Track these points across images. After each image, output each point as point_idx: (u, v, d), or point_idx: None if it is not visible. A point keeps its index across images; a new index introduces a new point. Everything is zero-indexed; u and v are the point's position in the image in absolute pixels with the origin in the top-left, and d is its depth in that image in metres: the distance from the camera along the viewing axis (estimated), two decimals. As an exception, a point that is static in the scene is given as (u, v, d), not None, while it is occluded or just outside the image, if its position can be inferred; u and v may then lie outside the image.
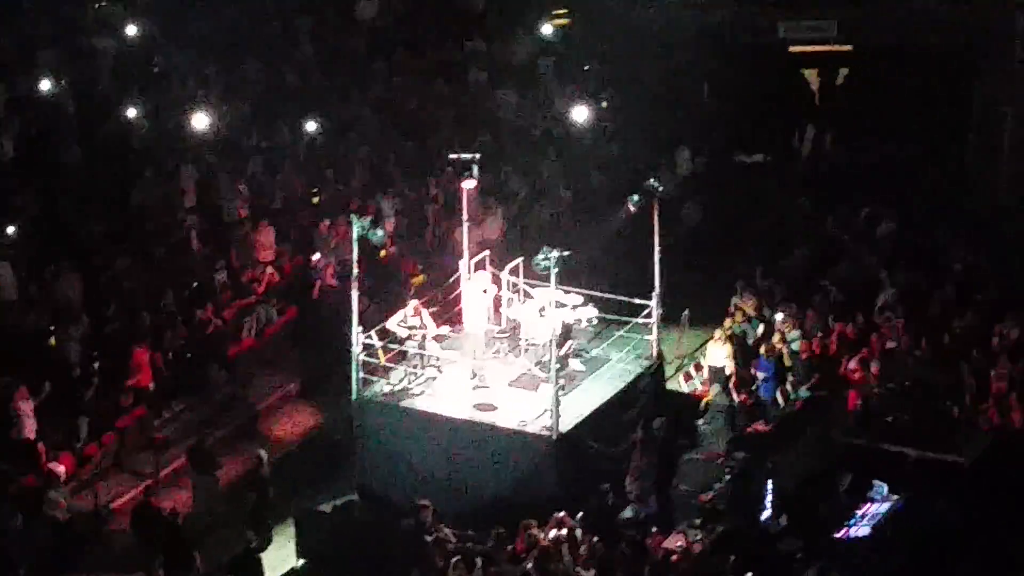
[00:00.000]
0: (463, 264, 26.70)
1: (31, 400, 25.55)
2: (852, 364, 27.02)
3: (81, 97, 35.14)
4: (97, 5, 38.16)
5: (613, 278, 27.95)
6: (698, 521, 23.37)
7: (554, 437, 24.00)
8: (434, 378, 25.61)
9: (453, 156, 26.29)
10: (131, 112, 33.91)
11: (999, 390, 25.78)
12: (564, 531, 22.29)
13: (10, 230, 29.58)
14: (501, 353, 26.10)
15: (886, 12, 36.16)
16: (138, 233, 31.21)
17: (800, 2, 37.16)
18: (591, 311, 25.91)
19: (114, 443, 26.70)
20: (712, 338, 27.94)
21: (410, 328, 25.57)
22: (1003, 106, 34.76)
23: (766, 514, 23.22)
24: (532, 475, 24.04)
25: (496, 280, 26.18)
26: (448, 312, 27.22)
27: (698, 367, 28.56)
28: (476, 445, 24.47)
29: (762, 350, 27.55)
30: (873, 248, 31.58)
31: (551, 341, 24.16)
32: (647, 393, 26.05)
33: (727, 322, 28.44)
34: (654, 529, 22.87)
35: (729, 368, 27.44)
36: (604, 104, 36.01)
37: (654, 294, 26.02)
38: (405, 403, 25.18)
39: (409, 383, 25.50)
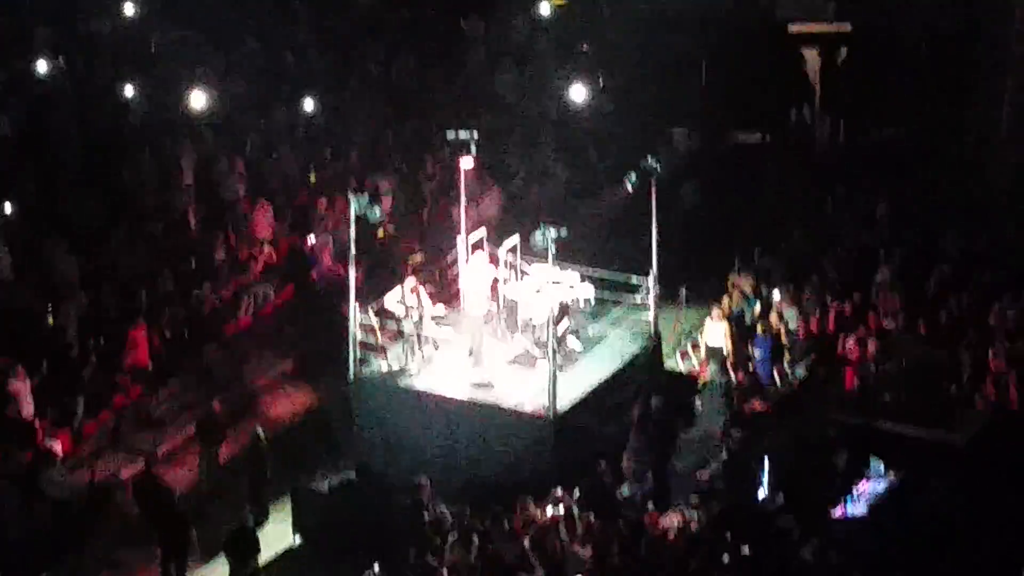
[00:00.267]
0: (460, 243, 26.69)
1: (28, 380, 25.56)
2: (849, 343, 27.02)
3: (78, 77, 35.10)
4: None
5: (610, 257, 27.92)
6: (695, 499, 23.34)
7: (551, 416, 24.01)
8: (431, 357, 25.60)
9: (450, 135, 26.24)
10: (128, 92, 33.87)
11: (996, 369, 25.79)
12: (561, 509, 22.32)
13: (7, 209, 29.58)
14: (498, 332, 26.08)
15: (884, -9, 36.18)
16: (135, 212, 31.18)
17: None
18: (588, 290, 25.88)
19: (111, 421, 26.71)
20: (709, 317, 27.93)
21: (407, 307, 25.55)
22: (1001, 86, 34.71)
23: (762, 492, 23.25)
24: (529, 453, 24.05)
25: (493, 259, 26.15)
26: (445, 291, 27.21)
27: (695, 346, 28.54)
28: (473, 423, 24.49)
29: (759, 329, 27.57)
30: (871, 228, 31.56)
31: (548, 320, 24.15)
32: (644, 372, 26.06)
33: (724, 301, 28.45)
34: (651, 507, 22.88)
35: (726, 347, 27.45)
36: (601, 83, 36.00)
37: (651, 273, 26.01)
38: (402, 382, 25.19)
39: (406, 362, 25.50)
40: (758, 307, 28.56)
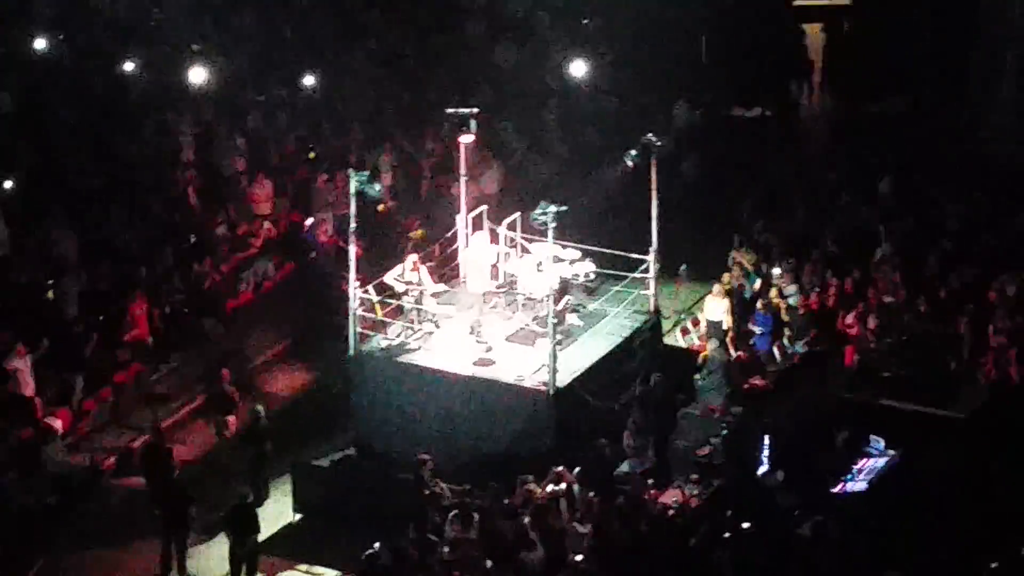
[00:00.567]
0: (460, 219, 26.65)
1: (28, 356, 25.56)
2: (849, 319, 27.02)
3: (78, 51, 35.02)
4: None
5: (611, 233, 27.90)
6: (695, 476, 23.40)
7: (551, 392, 23.99)
8: (431, 333, 25.59)
9: (451, 110, 26.18)
10: (128, 67, 33.80)
11: (997, 344, 25.78)
12: (561, 486, 22.34)
13: (7, 184, 29.54)
14: (499, 308, 26.06)
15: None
16: (135, 188, 31.14)
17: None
18: (589, 266, 25.85)
19: (111, 398, 26.72)
20: (710, 293, 27.92)
21: (408, 283, 25.53)
22: (1002, 59, 34.63)
23: (763, 469, 23.28)
24: (529, 430, 24.04)
25: (494, 236, 26.11)
26: (446, 267, 27.19)
27: (695, 322, 28.55)
28: (473, 400, 24.46)
29: (759, 305, 27.54)
30: (871, 203, 31.51)
31: (548, 296, 24.13)
32: (644, 348, 26.04)
33: (725, 277, 28.42)
34: (651, 484, 22.90)
35: (726, 323, 27.42)
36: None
37: (652, 249, 25.97)
38: (402, 358, 25.15)
39: (406, 338, 25.47)
40: (758, 283, 28.54)
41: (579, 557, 21.12)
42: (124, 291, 27.91)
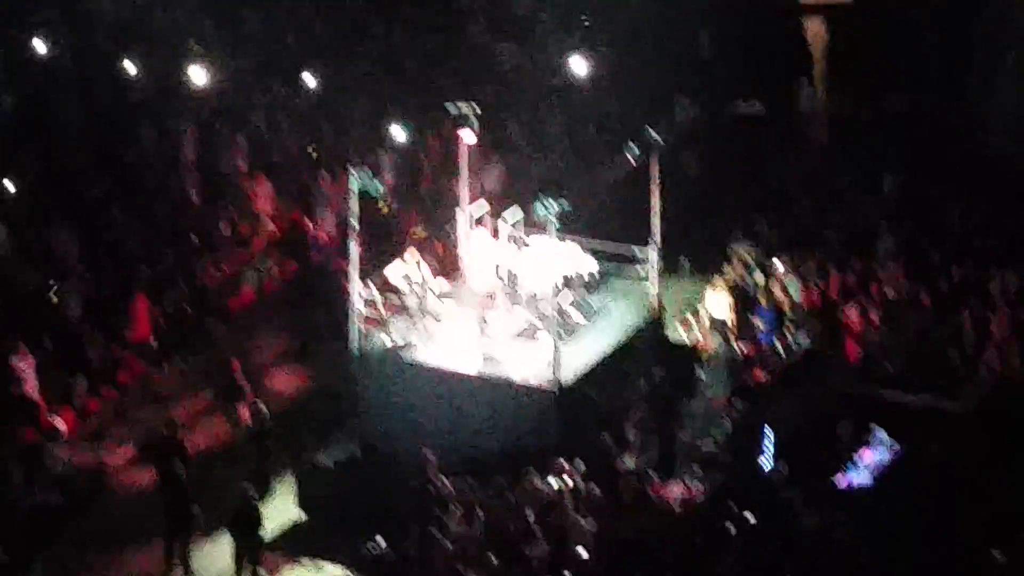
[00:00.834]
0: (462, 216, 26.66)
1: (31, 357, 25.59)
2: (852, 312, 26.99)
3: (79, 53, 35.05)
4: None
5: (612, 228, 27.89)
6: (698, 470, 23.40)
7: (555, 388, 24.01)
8: (434, 331, 25.60)
9: (451, 108, 26.19)
10: (129, 68, 33.81)
11: (999, 337, 25.77)
12: (565, 481, 22.36)
13: (9, 187, 29.56)
14: (501, 305, 26.07)
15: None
16: (137, 188, 31.17)
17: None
18: (591, 262, 25.88)
19: (114, 398, 26.74)
20: (712, 287, 27.92)
21: (410, 281, 25.53)
22: (1003, 58, 34.63)
23: (766, 463, 23.27)
24: (533, 426, 24.03)
25: (495, 232, 26.12)
26: (448, 264, 27.19)
27: (698, 316, 28.53)
28: (476, 396, 24.47)
29: (761, 299, 27.54)
30: (873, 197, 31.50)
31: (550, 292, 24.14)
32: (647, 343, 26.05)
33: (727, 271, 28.42)
34: (654, 478, 22.91)
35: (728, 317, 27.42)
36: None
37: (653, 244, 25.98)
38: (405, 356, 25.16)
39: (409, 336, 25.49)
40: (760, 277, 28.52)
41: (583, 552, 21.14)
42: (126, 291, 27.94)
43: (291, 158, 33.51)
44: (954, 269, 27.75)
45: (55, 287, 27.57)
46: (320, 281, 29.85)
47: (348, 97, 35.50)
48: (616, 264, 26.46)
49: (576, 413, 24.18)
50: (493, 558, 21.20)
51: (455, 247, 26.98)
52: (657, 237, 25.99)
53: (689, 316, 28.70)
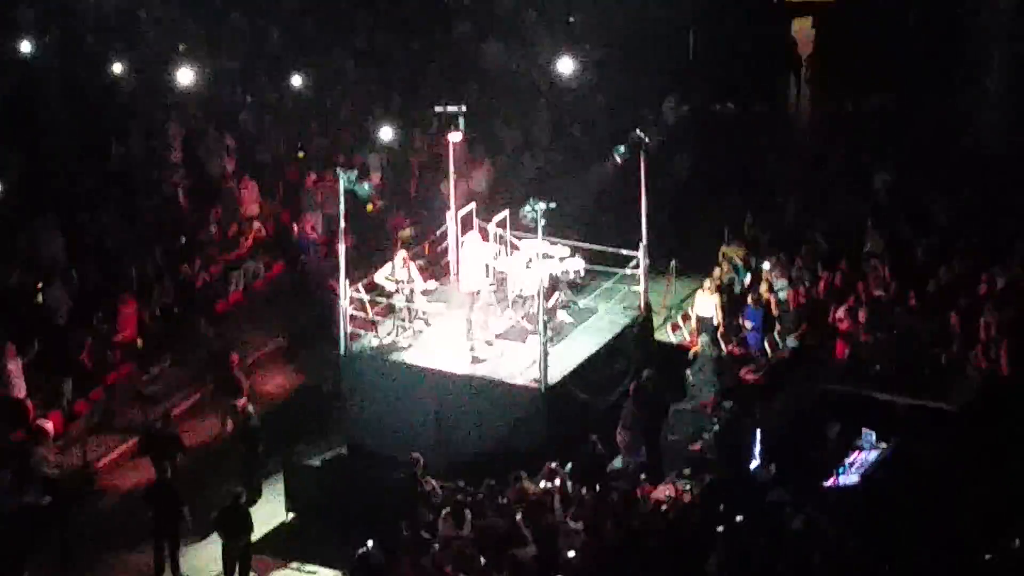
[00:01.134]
0: (450, 217, 26.64)
1: (19, 358, 25.53)
2: (840, 312, 26.99)
3: (65, 53, 34.99)
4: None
5: (600, 229, 27.90)
6: (687, 471, 23.42)
7: (543, 389, 23.99)
8: (422, 331, 25.58)
9: (439, 108, 26.16)
10: (116, 68, 33.77)
11: (987, 337, 25.79)
12: (554, 482, 22.34)
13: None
14: (489, 306, 26.04)
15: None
16: (124, 189, 31.11)
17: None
18: (579, 263, 25.86)
19: (102, 399, 26.69)
20: (700, 288, 27.93)
21: (398, 281, 25.51)
22: (989, 54, 34.68)
23: (755, 463, 23.27)
24: (521, 427, 24.03)
25: (483, 233, 26.11)
26: (435, 265, 27.18)
27: (686, 317, 28.56)
28: (465, 397, 24.46)
29: (750, 299, 27.55)
30: (861, 197, 31.52)
31: (539, 293, 24.13)
32: (635, 344, 26.04)
33: (715, 271, 28.43)
34: (643, 479, 22.91)
35: (717, 318, 27.44)
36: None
37: (641, 245, 25.97)
38: (393, 356, 25.14)
39: (397, 336, 25.46)
40: (748, 278, 28.54)
41: (572, 553, 21.13)
42: (114, 292, 27.89)
43: (279, 159, 33.45)
44: (941, 268, 27.76)
45: (41, 288, 27.46)
46: (308, 282, 29.82)
47: (335, 98, 35.45)
48: (604, 265, 26.43)
49: (564, 414, 24.18)
50: (481, 559, 21.17)
51: (443, 248, 26.94)
52: (645, 238, 25.97)
53: (677, 317, 28.75)
